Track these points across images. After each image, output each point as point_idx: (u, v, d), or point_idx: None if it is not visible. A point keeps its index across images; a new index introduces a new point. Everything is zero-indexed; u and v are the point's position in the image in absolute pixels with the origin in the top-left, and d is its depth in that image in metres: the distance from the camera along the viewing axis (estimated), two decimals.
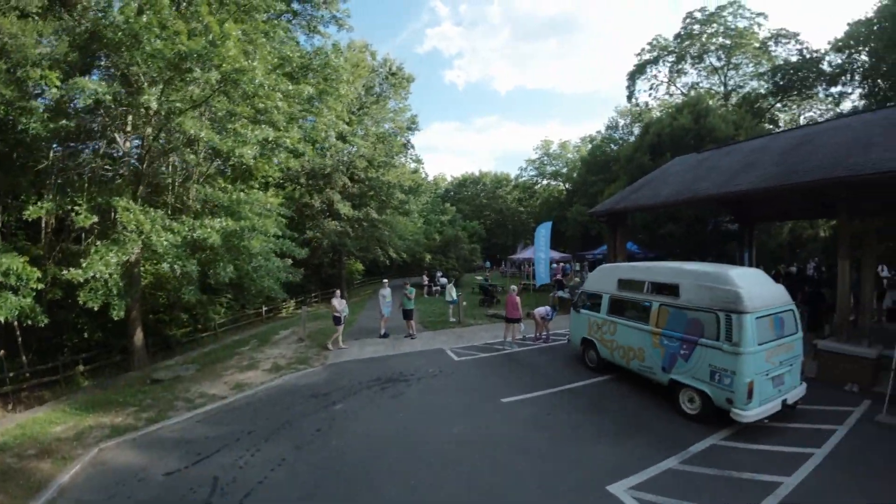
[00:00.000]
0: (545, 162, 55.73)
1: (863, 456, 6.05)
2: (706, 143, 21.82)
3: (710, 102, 39.30)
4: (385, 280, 15.81)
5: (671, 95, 41.43)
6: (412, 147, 26.86)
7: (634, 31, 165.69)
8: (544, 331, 13.71)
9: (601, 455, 6.42)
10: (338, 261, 24.07)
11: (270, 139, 11.54)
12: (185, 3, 10.58)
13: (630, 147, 25.40)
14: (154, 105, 8.72)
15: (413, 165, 35.71)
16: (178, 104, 9.22)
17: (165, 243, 9.91)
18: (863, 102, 30.44)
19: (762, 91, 33.91)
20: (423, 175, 60.45)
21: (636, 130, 46.25)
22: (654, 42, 39.96)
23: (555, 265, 28.43)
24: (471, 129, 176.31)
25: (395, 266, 33.52)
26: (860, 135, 10.23)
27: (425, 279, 26.64)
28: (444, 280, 28.31)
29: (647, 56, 40.28)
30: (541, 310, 13.59)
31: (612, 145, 47.00)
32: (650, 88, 41.39)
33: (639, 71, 40.38)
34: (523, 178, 58.59)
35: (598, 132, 50.17)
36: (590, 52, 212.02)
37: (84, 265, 9.04)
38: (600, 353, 9.95)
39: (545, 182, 57.10)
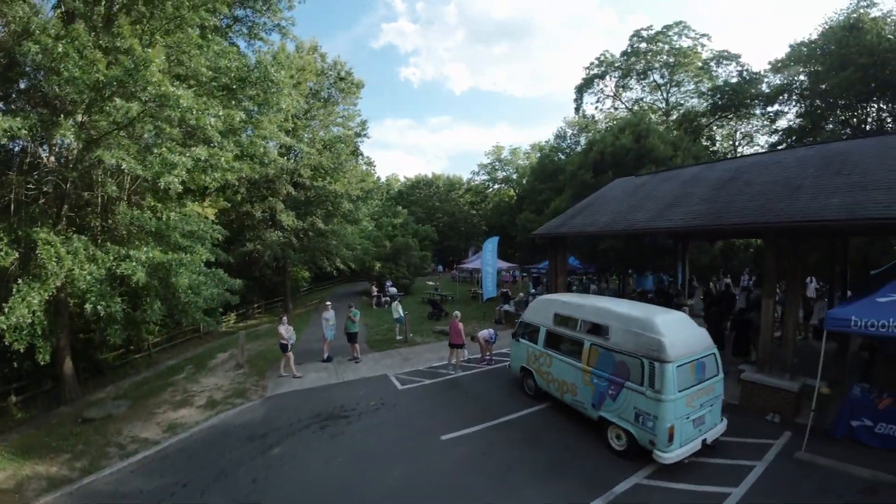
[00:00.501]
0: (496, 167, 56.75)
1: (779, 496, 6.35)
2: (646, 162, 22.94)
3: (653, 117, 41.59)
4: (328, 302, 15.44)
5: (616, 109, 43.31)
6: (361, 154, 26.29)
7: (583, 40, 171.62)
8: (488, 353, 13.91)
9: (532, 499, 6.60)
10: (282, 269, 23.20)
11: (203, 159, 10.87)
12: (105, 25, 9.76)
13: (575, 162, 26.28)
14: (71, 138, 7.96)
15: (364, 168, 35.13)
16: (95, 134, 8.47)
17: (89, 278, 9.15)
18: (798, 121, 33.12)
19: (701, 109, 36.17)
20: (375, 178, 59.93)
21: (582, 140, 48.00)
22: (602, 57, 41.56)
23: (504, 272, 28.98)
24: (425, 127, 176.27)
25: (343, 275, 32.87)
26: (791, 174, 10.85)
27: (374, 290, 26.25)
28: (393, 290, 28.07)
29: (595, 70, 41.84)
30: (484, 333, 13.77)
31: (560, 154, 48.48)
32: (597, 101, 43.14)
33: (586, 85, 41.86)
34: (476, 182, 59.43)
35: (547, 141, 51.62)
36: (540, 58, 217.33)
37: (6, 310, 8.23)
38: (538, 383, 10.24)
39: (496, 187, 58.12)
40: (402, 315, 17.23)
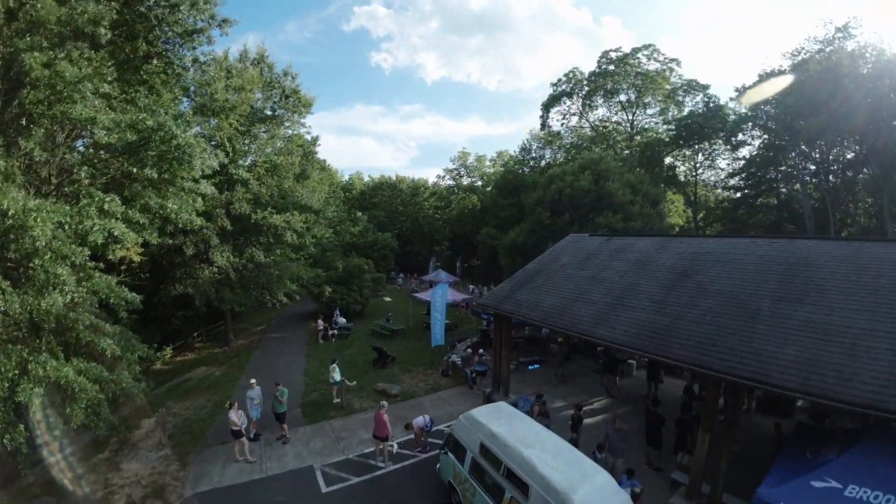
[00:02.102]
0: (462, 173, 55.87)
1: None
2: (603, 206, 22.58)
3: (618, 138, 41.56)
4: (253, 380, 14.18)
5: (582, 128, 42.96)
6: (307, 178, 24.49)
7: (557, 38, 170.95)
8: (423, 438, 13.14)
9: None
10: (221, 301, 21.55)
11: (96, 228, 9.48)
12: None
13: (534, 197, 25.62)
14: None
15: (318, 176, 33.22)
16: None
17: None
18: (761, 151, 33.47)
19: (665, 138, 36.18)
20: (335, 179, 57.69)
21: (547, 154, 47.69)
22: (570, 75, 40.92)
23: (460, 304, 28.26)
24: (395, 115, 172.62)
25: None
26: (749, 285, 10.13)
27: (320, 324, 24.93)
28: (342, 320, 26.90)
29: (563, 87, 41.18)
30: (419, 420, 12.96)
31: (524, 168, 48.04)
32: (563, 118, 42.58)
33: (553, 102, 41.20)
34: (441, 186, 58.45)
35: (512, 154, 51.07)
36: (514, 54, 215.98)
37: None
38: None
39: (461, 194, 57.28)
40: (340, 380, 16.22)
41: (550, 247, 21.92)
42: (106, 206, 9.90)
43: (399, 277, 47.33)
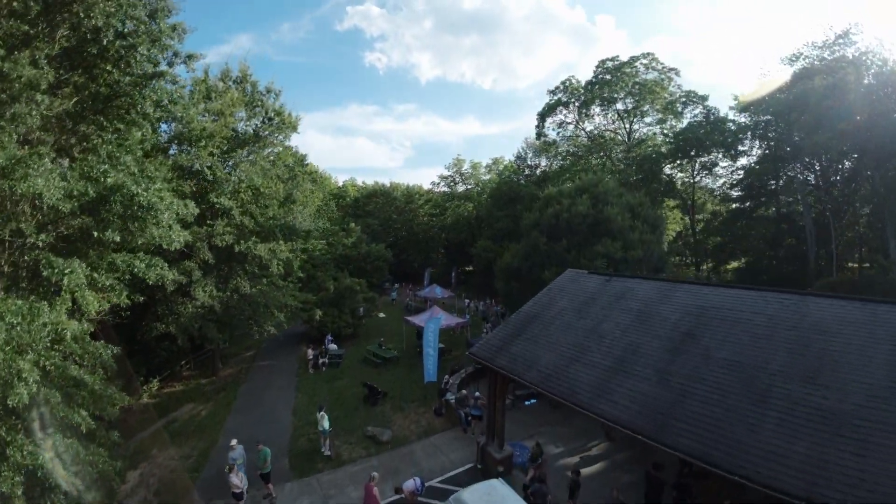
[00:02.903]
0: (457, 181, 55.08)
1: None
2: (602, 232, 21.89)
3: (616, 149, 40.75)
4: (234, 440, 13.50)
5: (578, 137, 42.17)
6: (294, 202, 23.60)
7: (550, 37, 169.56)
8: (414, 501, 12.48)
9: None
10: (205, 339, 20.78)
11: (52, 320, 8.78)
12: None
13: (531, 219, 24.82)
14: None
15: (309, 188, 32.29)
16: None
17: None
18: (760, 163, 32.80)
19: (663, 150, 35.40)
20: (329, 187, 56.64)
21: (543, 162, 46.90)
22: (566, 83, 40.05)
23: (453, 328, 27.53)
24: (390, 114, 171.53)
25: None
26: (759, 352, 9.56)
27: (310, 353, 24.13)
28: (333, 346, 26.18)
29: (559, 96, 40.35)
30: (409, 484, 12.27)
31: (520, 176, 47.34)
32: (559, 127, 41.76)
33: (549, 111, 40.39)
34: (436, 193, 57.70)
35: (509, 160, 50.33)
36: (509, 54, 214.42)
37: None
38: None
39: (456, 201, 56.50)
40: (328, 428, 15.52)
41: (546, 274, 21.37)
42: (66, 281, 9.17)
43: (393, 290, 46.32)
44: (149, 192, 10.32)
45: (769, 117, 31.54)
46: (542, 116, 40.48)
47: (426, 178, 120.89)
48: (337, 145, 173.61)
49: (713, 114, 33.15)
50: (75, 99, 11.89)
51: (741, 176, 35.07)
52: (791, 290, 11.90)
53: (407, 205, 56.68)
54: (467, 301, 40.19)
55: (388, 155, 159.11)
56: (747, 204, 34.25)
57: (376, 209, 55.53)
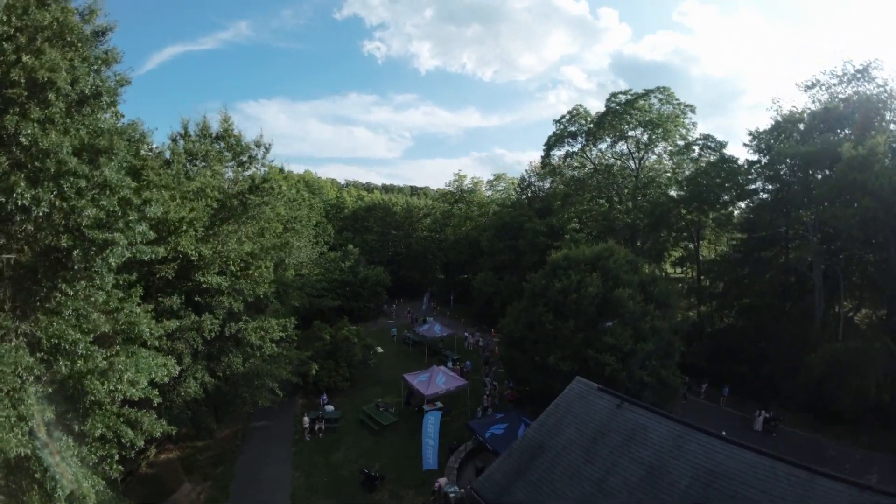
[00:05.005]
0: (457, 197, 54.18)
1: None
2: (611, 313, 21.21)
3: (623, 182, 39.49)
4: None
5: (584, 167, 40.93)
6: (288, 268, 22.60)
7: (552, 29, 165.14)
8: None
9: None
10: (198, 428, 20.20)
11: None
12: None
13: (536, 284, 23.88)
14: None
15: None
16: None
17: None
18: (772, 205, 31.84)
19: (674, 195, 34.19)
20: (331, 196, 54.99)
21: (546, 184, 45.71)
22: (575, 112, 38.59)
23: (453, 389, 26.76)
24: (389, 104, 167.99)
25: None
26: None
27: (306, 421, 23.43)
28: (329, 408, 25.58)
29: (566, 125, 38.95)
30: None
31: (524, 196, 46.43)
32: (567, 158, 40.42)
33: (557, 141, 39.07)
34: (435, 209, 56.81)
35: (509, 196, 49.38)
36: (510, 45, 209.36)
37: None
38: None
39: (456, 219, 55.51)
40: None
41: (551, 359, 20.61)
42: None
43: (393, 329, 43.05)
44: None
45: (783, 167, 30.52)
46: (549, 146, 39.19)
47: (426, 169, 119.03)
48: (336, 134, 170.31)
49: (730, 164, 31.72)
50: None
51: (750, 217, 34.13)
52: (802, 465, 11.31)
53: (406, 220, 55.65)
54: (466, 334, 39.60)
55: (386, 146, 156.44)
56: (753, 256, 33.12)
57: (375, 224, 54.48)
